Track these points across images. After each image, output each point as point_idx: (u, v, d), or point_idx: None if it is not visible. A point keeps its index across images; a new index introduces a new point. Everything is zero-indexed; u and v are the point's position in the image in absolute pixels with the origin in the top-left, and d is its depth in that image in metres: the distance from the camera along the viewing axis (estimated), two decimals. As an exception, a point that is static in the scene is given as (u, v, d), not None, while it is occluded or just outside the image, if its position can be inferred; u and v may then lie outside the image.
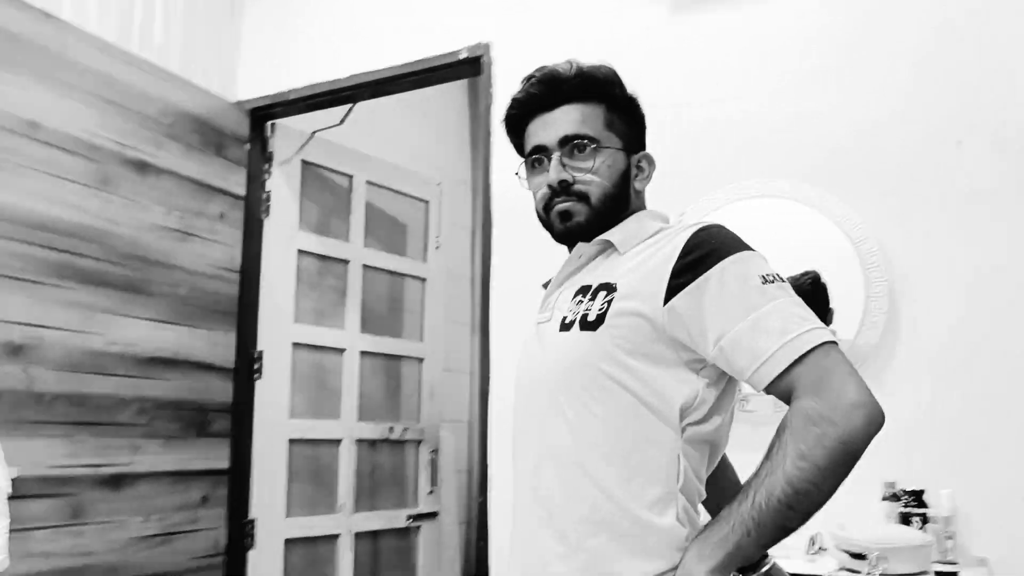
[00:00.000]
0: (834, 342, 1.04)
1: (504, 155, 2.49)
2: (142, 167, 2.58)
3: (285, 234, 3.05)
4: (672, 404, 1.09)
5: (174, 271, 2.65)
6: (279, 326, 3.00)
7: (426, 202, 3.54)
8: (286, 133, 3.10)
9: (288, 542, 2.93)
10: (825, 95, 2.13)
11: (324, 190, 3.24)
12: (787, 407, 1.04)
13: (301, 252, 3.10)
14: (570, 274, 1.27)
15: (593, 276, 1.21)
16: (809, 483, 1.00)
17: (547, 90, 1.26)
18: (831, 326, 2.07)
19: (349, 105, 3.06)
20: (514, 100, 1.30)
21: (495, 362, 2.38)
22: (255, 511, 2.86)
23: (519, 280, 2.38)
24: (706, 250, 1.09)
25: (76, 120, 2.40)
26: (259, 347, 2.94)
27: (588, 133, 1.23)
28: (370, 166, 3.34)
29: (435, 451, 3.43)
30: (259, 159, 3.03)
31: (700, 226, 1.14)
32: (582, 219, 1.23)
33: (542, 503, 1.15)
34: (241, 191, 2.94)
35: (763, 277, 1.07)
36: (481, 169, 2.55)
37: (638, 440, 1.09)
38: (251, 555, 2.83)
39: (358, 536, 3.13)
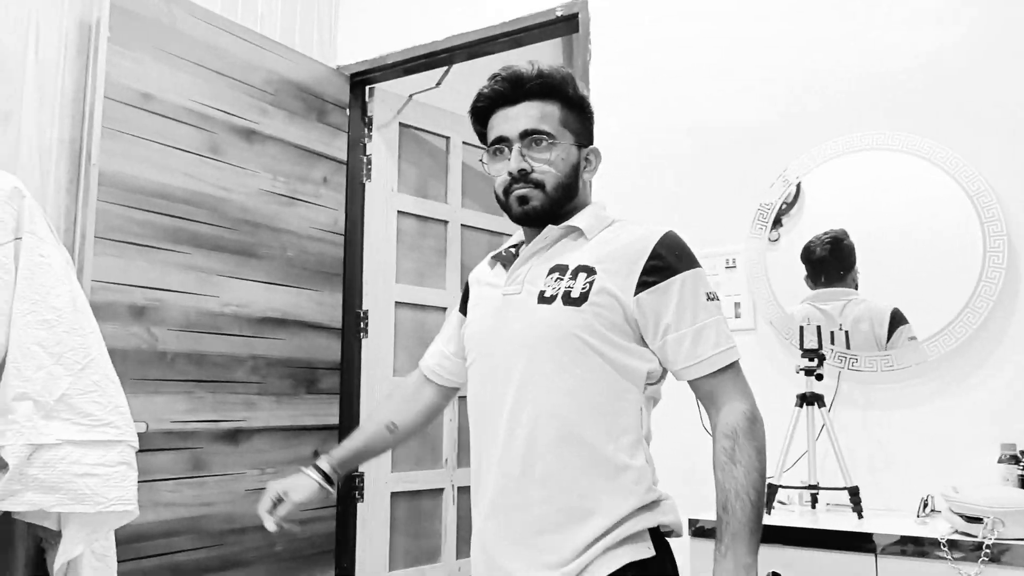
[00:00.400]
0: (738, 358, 1.34)
1: (602, 113, 2.47)
2: (249, 135, 2.66)
3: (385, 196, 3.11)
4: (640, 370, 1.32)
5: (282, 234, 2.74)
6: (382, 286, 3.07)
7: (523, 161, 3.54)
8: (384, 97, 3.14)
9: (394, 495, 3.03)
10: (938, 42, 2.03)
11: (422, 152, 3.28)
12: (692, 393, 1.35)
13: (401, 213, 3.16)
14: (535, 253, 1.42)
15: (565, 257, 1.38)
16: (765, 468, 1.27)
17: (510, 87, 1.41)
18: (859, 287, 2.05)
19: (445, 67, 3.08)
20: (480, 95, 1.45)
21: (595, 321, 2.38)
22: (363, 465, 2.97)
23: (618, 239, 2.37)
24: (672, 259, 1.32)
25: (186, 91, 2.49)
26: (364, 307, 3.02)
27: (546, 129, 1.39)
28: (466, 127, 3.33)
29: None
30: (359, 124, 3.08)
31: (664, 232, 1.35)
32: (537, 204, 1.39)
33: (520, 457, 1.31)
34: (343, 156, 3.00)
35: (708, 295, 1.32)
36: (578, 127, 2.53)
37: (612, 397, 1.30)
38: (360, 507, 2.95)
39: (460, 490, 3.21)
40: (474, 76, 3.40)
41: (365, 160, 3.07)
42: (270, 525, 1.51)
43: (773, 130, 2.21)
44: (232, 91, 2.62)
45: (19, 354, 1.78)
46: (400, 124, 3.19)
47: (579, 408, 1.30)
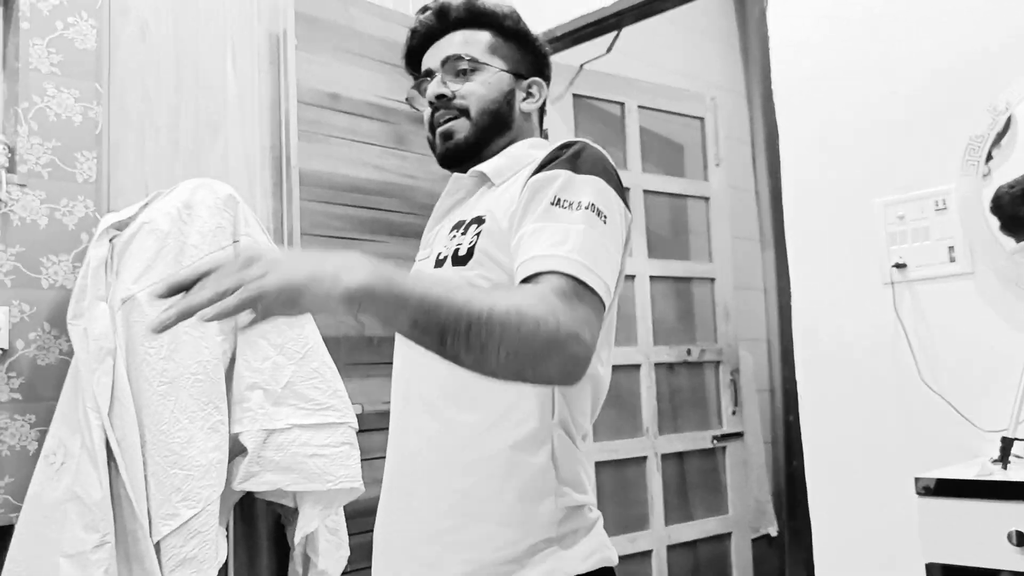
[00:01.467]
0: (602, 302, 0.98)
1: (784, 60, 2.35)
2: (430, 122, 2.74)
3: (565, 169, 3.12)
4: None
5: (469, 217, 2.81)
6: (569, 259, 3.08)
7: (701, 119, 3.45)
8: (555, 70, 3.08)
9: (599, 464, 3.06)
10: None
11: (597, 121, 3.26)
12: None
13: (582, 185, 3.16)
14: (449, 209, 1.27)
15: (470, 210, 1.19)
16: (498, 334, 0.87)
17: (436, 20, 1.30)
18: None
19: (615, 32, 3.04)
20: (410, 31, 1.34)
21: (795, 277, 2.28)
22: (564, 436, 3.00)
23: (812, 190, 2.26)
24: (553, 160, 1.08)
25: (369, 87, 2.59)
26: (552, 281, 3.05)
27: (468, 53, 1.25)
28: (640, 90, 3.31)
29: (735, 371, 3.39)
30: (533, 99, 3.10)
31: (563, 142, 1.12)
32: (462, 137, 1.24)
33: (409, 443, 1.15)
34: (520, 133, 3.03)
35: (584, 204, 1.02)
36: (758, 78, 2.43)
37: None
38: (565, 477, 2.99)
39: (664, 457, 3.19)
40: (646, 37, 3.35)
41: (542, 134, 3.08)
42: None
43: (977, 59, 2.02)
44: (410, 81, 2.70)
45: (247, 347, 1.94)
46: (573, 95, 3.18)
47: (465, 393, 1.08)
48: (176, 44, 2.30)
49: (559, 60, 3.13)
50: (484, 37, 1.28)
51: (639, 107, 3.29)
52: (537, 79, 1.32)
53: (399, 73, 2.64)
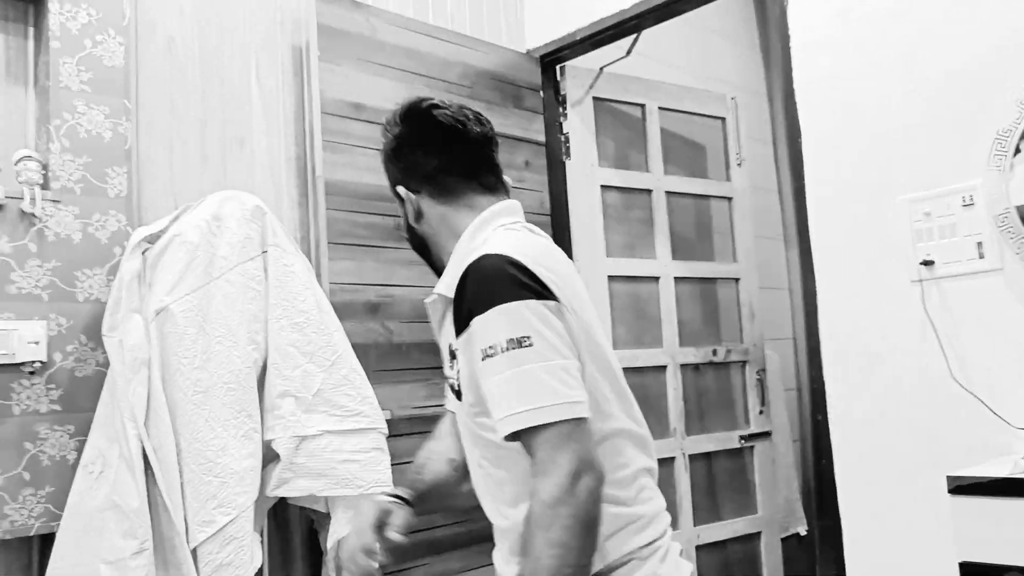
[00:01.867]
0: (556, 421, 1.08)
1: (805, 59, 2.35)
2: (453, 129, 2.76)
3: (586, 172, 3.13)
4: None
5: (492, 222, 2.83)
6: (593, 262, 3.10)
7: (722, 119, 3.45)
8: (576, 74, 3.15)
9: (626, 466, 3.06)
10: None
11: (618, 123, 3.27)
12: None
13: (604, 188, 3.17)
14: (440, 325, 1.35)
15: (451, 332, 1.26)
16: (566, 564, 1.05)
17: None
18: None
19: (634, 35, 3.04)
20: None
21: (820, 275, 2.28)
22: (592, 439, 3.01)
23: (835, 188, 2.26)
24: (464, 304, 1.16)
25: (392, 96, 2.61)
26: (576, 284, 3.06)
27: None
28: (660, 92, 3.31)
29: (761, 371, 3.39)
30: (554, 104, 3.12)
31: (465, 269, 1.18)
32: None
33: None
34: (541, 137, 3.05)
35: (505, 343, 1.10)
36: (779, 77, 2.44)
37: (516, 475, 1.22)
38: (593, 480, 2.99)
39: (692, 458, 3.19)
40: (666, 39, 3.36)
41: (563, 139, 3.10)
42: (381, 558, 1.46)
43: (998, 53, 2.01)
44: (432, 90, 2.72)
45: (277, 356, 1.96)
46: (594, 99, 3.19)
47: (490, 483, 1.32)
48: (201, 58, 2.34)
49: (579, 64, 3.15)
50: (391, 175, 1.53)
51: (660, 109, 3.30)
52: (403, 192, 1.46)
53: (421, 82, 2.69)
